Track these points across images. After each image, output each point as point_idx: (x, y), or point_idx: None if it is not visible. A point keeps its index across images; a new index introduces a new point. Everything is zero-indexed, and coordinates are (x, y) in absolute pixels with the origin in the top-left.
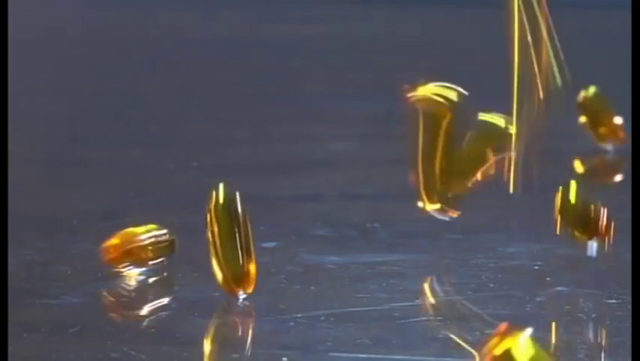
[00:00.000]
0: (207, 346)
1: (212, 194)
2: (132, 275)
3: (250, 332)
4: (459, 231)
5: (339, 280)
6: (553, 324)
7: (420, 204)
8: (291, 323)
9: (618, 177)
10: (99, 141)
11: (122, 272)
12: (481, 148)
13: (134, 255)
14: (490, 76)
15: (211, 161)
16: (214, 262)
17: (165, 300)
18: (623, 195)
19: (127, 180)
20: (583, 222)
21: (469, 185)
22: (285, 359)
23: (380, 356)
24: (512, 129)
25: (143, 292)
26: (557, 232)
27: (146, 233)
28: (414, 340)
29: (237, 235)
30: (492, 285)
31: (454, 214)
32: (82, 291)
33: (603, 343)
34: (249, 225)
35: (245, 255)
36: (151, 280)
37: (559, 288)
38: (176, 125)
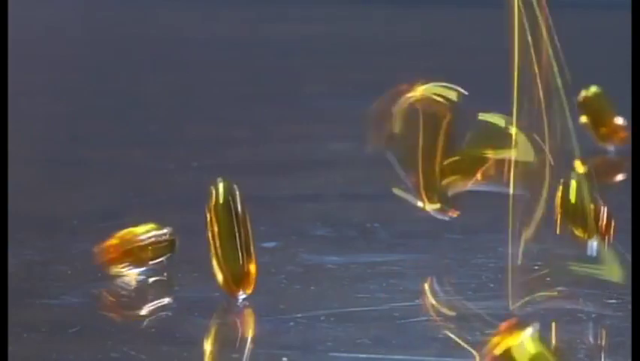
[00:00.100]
0: (207, 346)
1: (211, 192)
2: (132, 275)
3: (250, 332)
4: (459, 231)
5: (339, 280)
6: (553, 324)
7: (420, 204)
8: (291, 323)
9: (619, 177)
10: (99, 141)
11: (122, 272)
12: (481, 148)
13: (133, 255)
14: (490, 76)
15: (211, 161)
16: (214, 263)
17: (165, 300)
18: (623, 195)
19: (127, 180)
20: (583, 221)
21: (470, 185)
22: (285, 359)
23: (380, 356)
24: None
25: (143, 292)
26: (557, 231)
27: (146, 233)
28: (414, 340)
29: (237, 235)
30: (492, 285)
31: (454, 214)
32: (82, 291)
33: (603, 343)
34: (248, 223)
35: (245, 255)
36: (151, 280)
37: (559, 288)
38: (176, 125)
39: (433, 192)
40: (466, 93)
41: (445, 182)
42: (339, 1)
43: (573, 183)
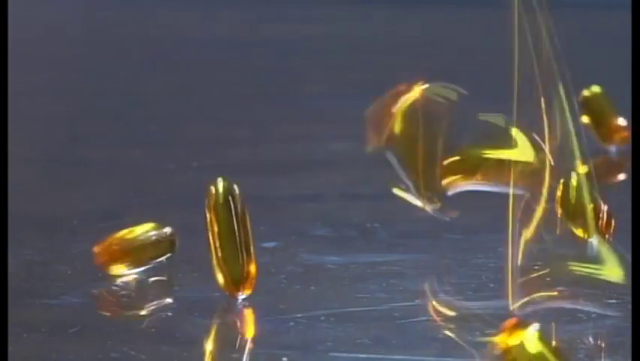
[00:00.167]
0: (207, 346)
1: (211, 191)
2: (132, 275)
3: (250, 332)
4: (459, 231)
5: (339, 280)
6: (553, 324)
7: (419, 203)
8: (291, 323)
9: (620, 177)
10: (99, 141)
11: (122, 272)
12: (481, 148)
13: (133, 255)
14: (490, 76)
15: (211, 161)
16: (214, 263)
17: (165, 300)
18: (623, 195)
19: (127, 180)
20: (583, 221)
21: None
22: (285, 359)
23: (380, 356)
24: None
25: (143, 292)
26: (557, 231)
27: (146, 233)
28: (414, 340)
29: (237, 235)
30: (492, 285)
31: (453, 214)
32: (82, 291)
33: (603, 343)
34: (248, 223)
35: (245, 255)
36: (151, 280)
37: (559, 288)
38: (176, 125)
39: (433, 191)
40: (466, 93)
41: (445, 182)
42: (339, 1)
43: (573, 183)
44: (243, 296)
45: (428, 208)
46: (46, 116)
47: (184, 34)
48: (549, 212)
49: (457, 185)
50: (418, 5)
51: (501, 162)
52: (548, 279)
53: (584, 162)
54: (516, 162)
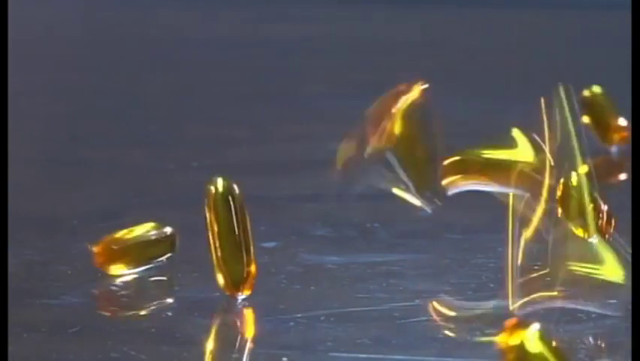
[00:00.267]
0: (207, 346)
1: (210, 191)
2: (132, 275)
3: (250, 332)
4: (459, 231)
5: (339, 280)
6: (553, 324)
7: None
8: (291, 323)
9: (620, 177)
10: (99, 141)
11: (122, 272)
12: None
13: (133, 255)
14: (490, 76)
15: (211, 161)
16: (214, 263)
17: (165, 300)
18: (624, 195)
19: (127, 180)
20: (583, 221)
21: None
22: (285, 359)
23: (380, 356)
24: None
25: (143, 292)
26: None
27: (146, 233)
28: (414, 340)
29: (237, 235)
30: (492, 285)
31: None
32: (82, 291)
33: (603, 343)
34: (248, 222)
35: (245, 256)
36: (151, 280)
37: (559, 288)
38: (176, 125)
39: (432, 191)
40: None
41: (445, 181)
42: (339, 1)
43: (573, 183)
44: (243, 296)
45: (427, 208)
46: (46, 116)
47: (184, 34)
48: (549, 212)
49: (458, 185)
50: (418, 5)
51: (501, 163)
52: (548, 279)
53: (584, 162)
54: (516, 163)
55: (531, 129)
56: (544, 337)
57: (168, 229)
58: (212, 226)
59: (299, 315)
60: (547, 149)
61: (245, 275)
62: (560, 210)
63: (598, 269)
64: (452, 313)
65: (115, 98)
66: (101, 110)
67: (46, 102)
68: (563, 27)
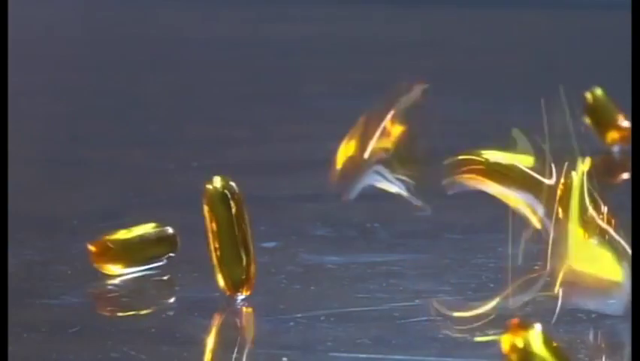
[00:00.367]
0: (207, 346)
1: (208, 190)
2: (132, 275)
3: (250, 332)
4: (459, 231)
5: (339, 280)
6: (553, 324)
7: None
8: (291, 323)
9: (621, 177)
10: (99, 141)
11: (122, 272)
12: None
13: (133, 254)
14: (490, 76)
15: (211, 161)
16: (214, 262)
17: (165, 300)
18: (624, 195)
19: (127, 180)
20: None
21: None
22: (285, 359)
23: (380, 356)
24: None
25: (143, 292)
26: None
27: (145, 232)
28: (414, 340)
29: (236, 235)
30: (492, 285)
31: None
32: (82, 291)
33: (603, 343)
34: (247, 220)
35: (245, 256)
36: (151, 280)
37: (559, 288)
38: (176, 125)
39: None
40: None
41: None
42: (339, 1)
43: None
44: (243, 297)
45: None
46: (46, 116)
47: (184, 34)
48: (549, 212)
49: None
50: (418, 5)
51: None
52: (548, 279)
53: (585, 162)
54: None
55: (531, 129)
56: (546, 337)
57: (169, 229)
58: (211, 227)
59: (299, 315)
60: (547, 149)
61: (245, 275)
62: (560, 211)
63: (598, 269)
64: (452, 314)
65: (115, 98)
66: (101, 110)
67: (46, 102)
68: (563, 27)
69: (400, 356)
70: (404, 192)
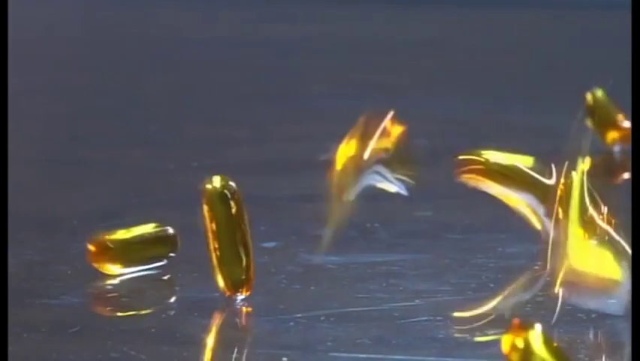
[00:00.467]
0: (207, 346)
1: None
2: (132, 275)
3: (250, 332)
4: (459, 231)
5: (339, 280)
6: (553, 324)
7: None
8: (291, 323)
9: (622, 177)
10: (99, 141)
11: (121, 272)
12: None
13: (132, 254)
14: (490, 76)
15: (211, 161)
16: (214, 263)
17: (165, 300)
18: (624, 195)
19: (127, 180)
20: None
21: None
22: (285, 359)
23: (380, 356)
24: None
25: (143, 292)
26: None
27: (145, 232)
28: (414, 340)
29: (236, 235)
30: (492, 285)
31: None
32: (82, 291)
33: (603, 343)
34: (246, 220)
35: (244, 257)
36: (151, 280)
37: (559, 288)
38: (176, 125)
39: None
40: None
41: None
42: (339, 1)
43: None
44: (242, 297)
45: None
46: (46, 116)
47: (184, 34)
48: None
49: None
50: (418, 5)
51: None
52: (548, 279)
53: (585, 162)
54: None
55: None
56: (547, 338)
57: (169, 230)
58: (210, 227)
59: (299, 315)
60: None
61: (244, 277)
62: (560, 211)
63: (598, 269)
64: (452, 314)
65: (115, 98)
66: (101, 110)
67: (46, 102)
68: (563, 27)
69: (400, 356)
70: (404, 192)
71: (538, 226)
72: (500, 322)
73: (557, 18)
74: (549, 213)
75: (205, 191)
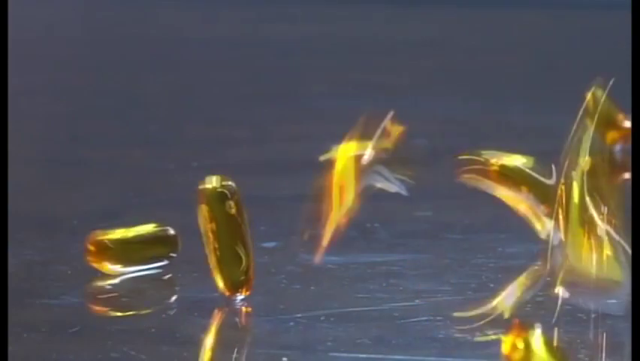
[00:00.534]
0: (207, 346)
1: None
2: (132, 275)
3: (250, 332)
4: (459, 231)
5: (339, 280)
6: (554, 324)
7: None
8: (291, 323)
9: (623, 177)
10: (99, 141)
11: (121, 272)
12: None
13: (132, 254)
14: (490, 76)
15: (211, 161)
16: (213, 263)
17: (165, 300)
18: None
19: (127, 180)
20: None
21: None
22: (285, 359)
23: (380, 356)
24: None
25: (143, 292)
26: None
27: (146, 232)
28: (414, 340)
29: (235, 236)
30: (492, 285)
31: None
32: (82, 291)
33: (603, 343)
34: (245, 220)
35: (244, 257)
36: (151, 280)
37: (559, 288)
38: (176, 125)
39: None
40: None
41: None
42: (339, 1)
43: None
44: (242, 297)
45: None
46: (46, 116)
47: (184, 34)
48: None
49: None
50: (418, 5)
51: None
52: (548, 279)
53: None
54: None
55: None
56: (547, 338)
57: (170, 230)
58: (210, 227)
59: (299, 315)
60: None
61: (243, 277)
62: (560, 211)
63: (598, 269)
64: (452, 314)
65: (115, 98)
66: (101, 110)
67: (46, 102)
68: (563, 27)
69: (400, 356)
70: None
71: (538, 226)
72: (500, 322)
73: (557, 18)
74: (549, 213)
75: (204, 191)
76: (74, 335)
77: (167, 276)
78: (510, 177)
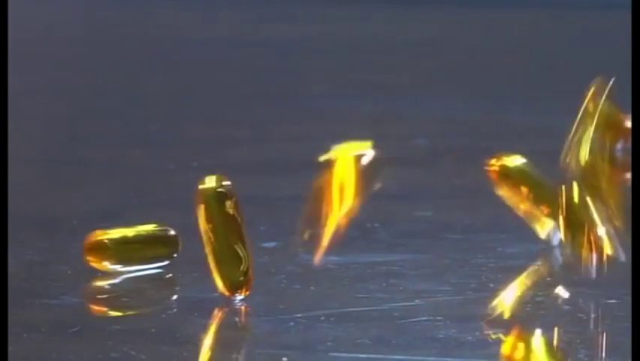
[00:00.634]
0: (207, 346)
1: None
2: (132, 275)
3: (250, 332)
4: (459, 231)
5: (339, 280)
6: (554, 324)
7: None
8: (291, 323)
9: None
10: (99, 141)
11: (121, 272)
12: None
13: (131, 254)
14: (490, 76)
15: (211, 161)
16: (211, 264)
17: (165, 300)
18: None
19: (127, 180)
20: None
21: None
22: (285, 359)
23: (380, 356)
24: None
25: (143, 292)
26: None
27: (146, 232)
28: (414, 340)
29: (233, 236)
30: (492, 285)
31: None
32: (82, 291)
33: (603, 343)
34: (243, 220)
35: (243, 258)
36: (151, 280)
37: (559, 288)
38: (176, 125)
39: None
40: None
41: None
42: (339, 1)
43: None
44: (241, 297)
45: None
46: (46, 116)
47: (184, 34)
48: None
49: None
50: (418, 5)
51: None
52: (548, 279)
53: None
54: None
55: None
56: (547, 338)
57: (171, 231)
58: (209, 227)
59: (299, 315)
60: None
61: (243, 278)
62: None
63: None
64: (452, 313)
65: (115, 98)
66: (101, 110)
67: (46, 102)
68: (563, 27)
69: (400, 356)
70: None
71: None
72: (500, 322)
73: (557, 18)
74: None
75: (202, 191)
76: (74, 335)
77: (168, 276)
78: (510, 177)
